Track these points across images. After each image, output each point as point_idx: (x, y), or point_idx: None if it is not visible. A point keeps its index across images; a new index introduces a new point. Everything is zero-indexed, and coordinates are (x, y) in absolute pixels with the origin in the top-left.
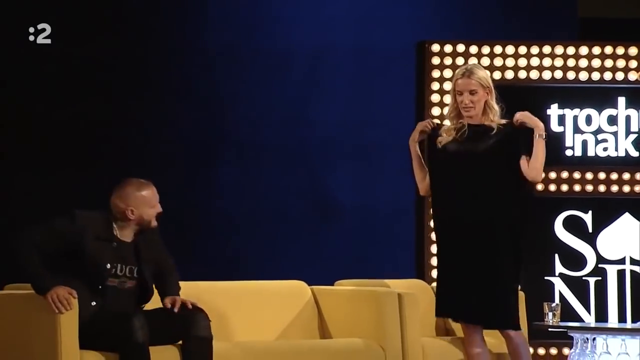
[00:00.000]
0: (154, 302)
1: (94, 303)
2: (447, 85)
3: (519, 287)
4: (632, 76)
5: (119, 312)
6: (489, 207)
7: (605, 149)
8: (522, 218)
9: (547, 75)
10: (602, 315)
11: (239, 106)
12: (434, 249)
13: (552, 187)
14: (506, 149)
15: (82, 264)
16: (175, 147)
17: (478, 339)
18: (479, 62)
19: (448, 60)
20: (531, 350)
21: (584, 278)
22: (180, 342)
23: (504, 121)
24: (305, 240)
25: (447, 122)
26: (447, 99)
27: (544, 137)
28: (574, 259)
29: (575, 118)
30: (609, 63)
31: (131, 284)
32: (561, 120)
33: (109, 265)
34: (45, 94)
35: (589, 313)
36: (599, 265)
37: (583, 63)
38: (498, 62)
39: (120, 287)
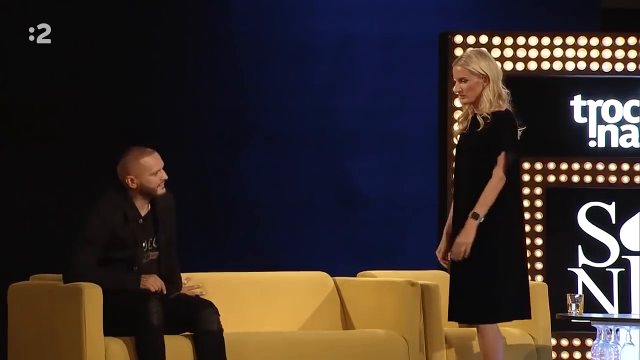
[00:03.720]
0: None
1: None
2: None
3: (503, 279)
4: None
5: (139, 294)
6: (470, 202)
7: (628, 140)
8: (502, 212)
9: (570, 66)
10: (625, 307)
11: (265, 96)
12: None
13: (575, 179)
14: (486, 143)
15: (119, 249)
16: (201, 138)
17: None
18: (501, 54)
19: None
20: (554, 341)
21: (607, 269)
22: (190, 332)
23: (493, 110)
24: (329, 231)
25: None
26: None
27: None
28: (598, 250)
29: (598, 109)
30: (632, 54)
31: (154, 255)
32: (584, 111)
33: (143, 244)
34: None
35: (612, 304)
36: (623, 257)
37: (606, 54)
38: (521, 53)
39: (147, 260)
